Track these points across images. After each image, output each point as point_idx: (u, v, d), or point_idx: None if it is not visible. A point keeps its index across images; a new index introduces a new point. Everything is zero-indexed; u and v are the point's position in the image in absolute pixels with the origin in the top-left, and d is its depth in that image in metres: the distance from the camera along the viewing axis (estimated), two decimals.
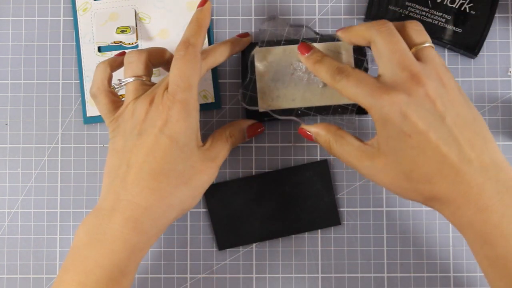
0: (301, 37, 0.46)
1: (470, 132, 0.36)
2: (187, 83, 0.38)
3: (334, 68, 0.39)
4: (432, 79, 0.36)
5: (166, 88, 0.39)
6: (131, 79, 0.40)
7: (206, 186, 0.41)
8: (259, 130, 0.46)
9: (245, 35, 0.47)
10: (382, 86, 0.36)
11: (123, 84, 0.41)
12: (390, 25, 0.38)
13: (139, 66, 0.41)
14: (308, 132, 0.43)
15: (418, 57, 0.38)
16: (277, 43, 0.46)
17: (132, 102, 0.40)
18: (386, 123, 0.36)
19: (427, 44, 0.38)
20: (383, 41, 0.38)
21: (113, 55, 0.46)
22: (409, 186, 0.37)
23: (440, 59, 0.38)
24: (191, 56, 0.39)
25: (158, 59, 0.43)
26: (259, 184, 0.47)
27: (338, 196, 0.47)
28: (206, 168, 0.40)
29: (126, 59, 0.41)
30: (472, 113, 0.37)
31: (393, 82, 0.37)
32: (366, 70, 0.46)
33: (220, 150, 0.42)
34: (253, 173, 0.48)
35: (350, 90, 0.38)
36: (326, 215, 0.47)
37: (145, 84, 0.41)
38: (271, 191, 0.47)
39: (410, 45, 0.39)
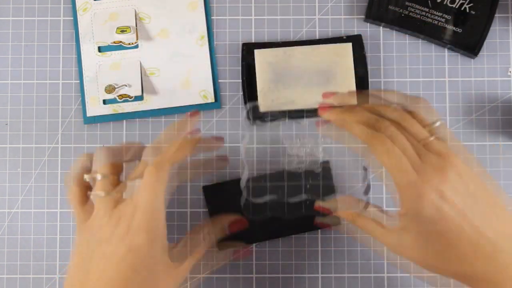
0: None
1: (500, 208, 0.35)
2: (152, 193, 0.37)
3: (369, 130, 0.37)
4: (458, 158, 0.35)
5: (132, 197, 0.37)
6: (98, 177, 0.39)
7: None
8: (242, 226, 0.45)
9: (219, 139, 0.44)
10: (422, 167, 0.35)
11: (89, 179, 0.39)
12: (403, 113, 0.37)
13: (105, 165, 0.39)
14: (325, 207, 0.42)
15: (432, 135, 0.37)
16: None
17: (97, 200, 0.39)
18: (422, 205, 0.35)
19: (438, 123, 0.37)
20: (404, 125, 0.36)
21: (112, 55, 0.46)
22: (440, 265, 0.36)
23: (453, 134, 0.37)
24: (158, 182, 0.37)
25: (128, 154, 0.41)
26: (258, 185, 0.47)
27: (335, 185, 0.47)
28: (172, 274, 0.38)
29: (95, 156, 0.40)
30: (494, 186, 0.36)
31: (424, 162, 0.35)
32: None
33: (193, 250, 0.40)
34: (254, 174, 0.47)
35: (388, 161, 0.36)
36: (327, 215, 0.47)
37: (112, 184, 0.39)
38: (270, 192, 0.47)
39: (422, 124, 0.37)
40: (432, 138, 0.36)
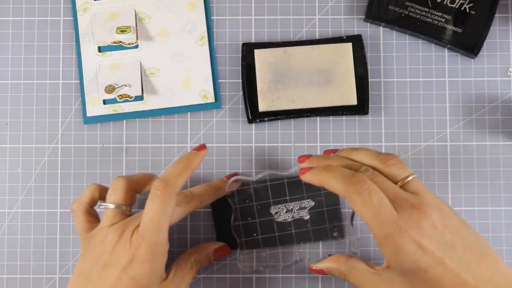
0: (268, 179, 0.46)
1: (478, 254, 0.36)
2: (157, 227, 0.38)
3: (349, 175, 0.37)
4: (431, 208, 0.36)
5: (138, 226, 0.39)
6: (111, 206, 0.41)
7: None
8: (225, 253, 0.46)
9: (231, 176, 0.46)
10: (399, 220, 0.35)
11: (102, 207, 0.41)
12: (367, 182, 0.36)
13: (121, 195, 0.41)
14: (319, 269, 0.43)
15: (406, 190, 0.37)
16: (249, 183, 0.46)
17: (106, 227, 0.40)
18: (402, 258, 0.35)
19: (411, 178, 0.38)
20: (365, 203, 0.36)
21: (112, 55, 0.46)
22: None
23: (425, 187, 0.38)
24: (166, 198, 0.38)
25: (142, 188, 0.43)
26: (265, 188, 0.47)
27: (339, 197, 0.47)
28: None
29: (112, 184, 0.41)
30: (473, 234, 0.37)
31: (402, 214, 0.35)
32: None
33: (183, 279, 0.42)
34: (253, 173, 0.47)
35: (366, 211, 0.36)
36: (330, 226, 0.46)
37: (124, 214, 0.41)
38: (276, 197, 0.47)
39: (395, 180, 0.38)
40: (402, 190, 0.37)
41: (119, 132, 0.48)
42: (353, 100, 0.47)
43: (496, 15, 0.48)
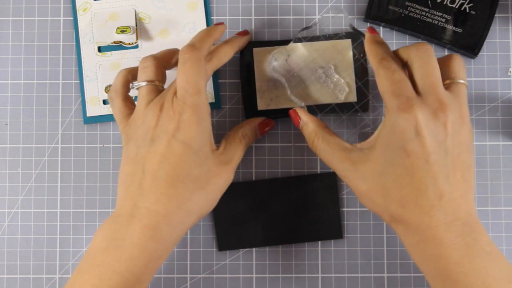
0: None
1: (461, 176, 0.36)
2: (195, 88, 0.38)
3: (385, 55, 0.38)
4: (454, 113, 0.36)
5: (175, 93, 0.39)
6: (143, 83, 0.40)
7: (223, 189, 0.41)
8: (269, 126, 0.46)
9: (244, 33, 0.47)
10: (414, 98, 0.36)
11: (135, 87, 0.41)
12: (430, 48, 0.38)
13: (152, 71, 0.40)
14: (298, 119, 0.43)
15: (449, 89, 0.38)
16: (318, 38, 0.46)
17: (143, 107, 0.40)
18: (395, 133, 0.36)
19: (462, 81, 0.38)
20: (421, 61, 0.37)
21: (112, 55, 0.46)
22: (381, 202, 0.37)
23: (466, 99, 0.38)
24: (196, 60, 0.39)
25: (170, 62, 0.43)
26: (266, 189, 0.47)
27: (340, 196, 0.47)
28: (222, 171, 0.40)
29: (141, 64, 0.41)
30: (470, 161, 0.37)
31: (421, 99, 0.36)
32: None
33: (235, 152, 0.42)
34: (253, 173, 0.48)
35: (385, 82, 0.37)
36: (329, 227, 0.47)
37: (157, 90, 0.40)
38: (276, 198, 0.47)
39: (447, 76, 0.38)
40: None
41: (119, 132, 0.48)
42: (353, 98, 0.47)
43: (496, 15, 0.48)
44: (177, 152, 0.37)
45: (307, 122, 0.42)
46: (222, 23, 0.44)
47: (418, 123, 0.35)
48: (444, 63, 0.39)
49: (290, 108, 0.46)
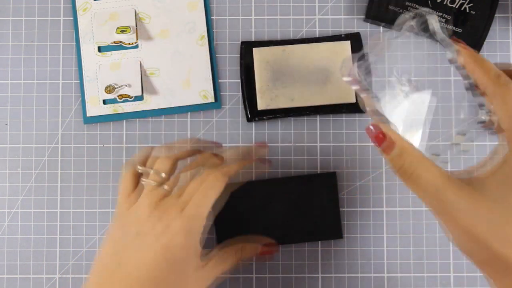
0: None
1: None
2: (203, 207, 0.38)
3: (496, 70, 0.33)
4: None
5: (179, 196, 0.38)
6: (152, 171, 0.40)
7: None
8: (272, 251, 0.45)
9: (263, 148, 0.47)
10: None
11: (143, 182, 0.40)
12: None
13: (165, 163, 0.40)
14: (381, 135, 0.33)
15: None
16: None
17: (146, 191, 0.39)
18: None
19: None
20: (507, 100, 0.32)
21: (112, 55, 0.46)
22: (483, 238, 0.31)
23: None
24: (220, 189, 0.39)
25: (185, 158, 0.42)
26: (266, 189, 0.47)
27: (340, 196, 0.47)
28: (201, 279, 0.39)
29: (158, 161, 0.41)
30: None
31: None
32: None
33: (223, 262, 0.40)
34: (253, 173, 0.48)
35: (505, 107, 0.32)
36: (329, 227, 0.46)
37: (162, 182, 0.40)
38: (276, 198, 0.47)
39: None
40: None
41: (119, 132, 0.48)
42: (351, 98, 0.47)
43: (496, 15, 0.48)
44: (156, 256, 0.36)
45: (405, 148, 0.33)
46: (264, 146, 0.45)
47: None
48: None
49: (290, 108, 0.46)
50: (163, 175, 0.40)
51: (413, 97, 0.36)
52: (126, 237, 0.38)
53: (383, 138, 0.33)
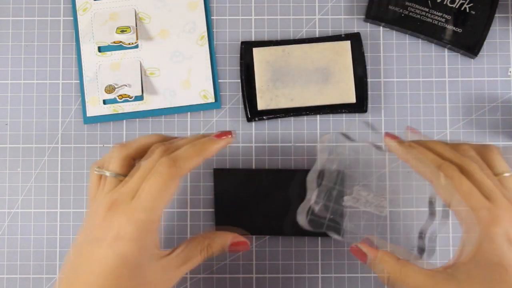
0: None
1: None
2: (152, 206, 0.36)
3: (441, 160, 0.36)
4: None
5: (132, 197, 0.36)
6: (107, 173, 0.38)
7: None
8: (242, 248, 0.42)
9: (226, 134, 0.40)
10: (494, 207, 0.34)
11: (97, 172, 0.39)
12: (456, 171, 0.35)
13: (117, 164, 0.38)
14: (365, 256, 0.38)
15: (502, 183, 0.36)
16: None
17: (99, 199, 0.38)
18: (486, 248, 0.33)
19: (507, 174, 0.36)
20: (459, 191, 0.35)
21: (112, 55, 0.46)
22: None
23: None
24: (168, 179, 0.36)
25: (145, 153, 0.39)
26: (270, 179, 0.46)
27: None
28: (161, 283, 0.37)
29: (110, 153, 0.39)
30: None
31: (496, 205, 0.34)
32: None
33: (187, 260, 0.39)
34: (253, 160, 0.48)
35: (464, 187, 0.34)
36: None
37: (119, 182, 0.38)
38: (280, 189, 0.46)
39: (494, 172, 0.36)
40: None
41: (119, 132, 0.48)
42: (351, 98, 0.47)
43: (496, 15, 0.48)
44: (110, 262, 0.35)
45: (377, 261, 0.37)
46: (226, 134, 0.39)
47: (508, 233, 0.33)
48: (486, 158, 0.37)
49: (290, 108, 0.46)
50: (114, 175, 0.38)
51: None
52: (83, 245, 0.36)
53: (364, 255, 0.38)
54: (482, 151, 0.37)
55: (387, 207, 0.42)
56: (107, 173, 0.38)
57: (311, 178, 0.42)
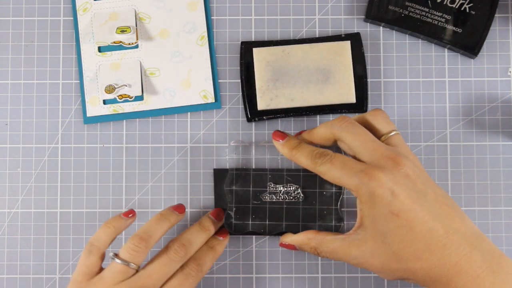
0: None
1: (448, 207, 0.38)
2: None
3: (314, 152, 0.40)
4: (407, 161, 0.38)
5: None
6: (119, 261, 0.40)
7: None
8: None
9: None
10: (368, 167, 0.38)
11: (113, 259, 0.41)
12: (350, 120, 0.40)
13: (142, 257, 0.41)
14: (288, 243, 0.44)
15: (387, 144, 0.40)
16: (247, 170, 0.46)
17: (111, 285, 0.40)
18: (374, 203, 0.37)
19: (393, 133, 0.40)
20: (350, 135, 0.40)
21: (112, 55, 0.46)
22: (399, 266, 0.38)
23: (405, 143, 0.41)
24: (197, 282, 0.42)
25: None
26: (271, 178, 0.46)
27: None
28: None
29: (136, 245, 0.41)
30: (442, 190, 0.39)
31: (375, 165, 0.38)
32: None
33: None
34: (266, 159, 0.47)
35: (335, 172, 0.39)
36: (332, 226, 0.46)
37: (130, 272, 0.40)
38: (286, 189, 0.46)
39: (379, 134, 0.41)
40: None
41: (119, 132, 0.48)
42: (351, 98, 0.47)
43: (496, 15, 0.48)
44: None
45: (300, 245, 0.43)
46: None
47: (387, 184, 0.37)
48: (370, 123, 0.41)
49: (290, 108, 0.46)
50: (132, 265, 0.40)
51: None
52: None
53: (291, 246, 0.44)
54: (368, 118, 0.41)
55: (301, 193, 0.45)
56: (119, 261, 0.40)
57: (226, 185, 0.46)
